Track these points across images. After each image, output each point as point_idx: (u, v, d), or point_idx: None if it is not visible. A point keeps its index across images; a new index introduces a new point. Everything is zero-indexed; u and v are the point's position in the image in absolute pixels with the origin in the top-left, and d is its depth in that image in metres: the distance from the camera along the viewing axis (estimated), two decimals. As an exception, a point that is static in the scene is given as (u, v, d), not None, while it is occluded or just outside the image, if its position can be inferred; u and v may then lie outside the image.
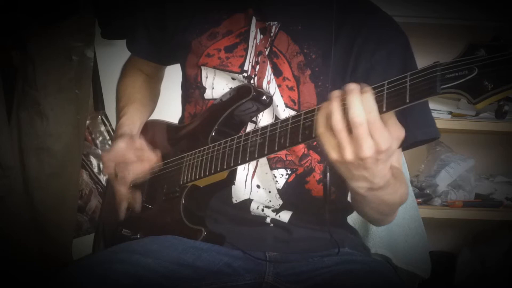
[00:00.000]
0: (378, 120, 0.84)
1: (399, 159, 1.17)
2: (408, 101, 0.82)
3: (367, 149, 0.84)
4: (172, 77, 1.47)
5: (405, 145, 1.17)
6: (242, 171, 1.16)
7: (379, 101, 0.85)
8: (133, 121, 1.31)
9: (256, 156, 1.01)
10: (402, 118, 1.11)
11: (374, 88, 0.86)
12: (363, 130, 0.84)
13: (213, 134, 1.15)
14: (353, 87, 0.85)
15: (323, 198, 1.02)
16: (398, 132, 0.87)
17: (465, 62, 0.77)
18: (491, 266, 2.33)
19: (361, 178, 0.90)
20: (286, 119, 0.97)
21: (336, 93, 0.87)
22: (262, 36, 1.18)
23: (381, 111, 0.85)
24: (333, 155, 0.88)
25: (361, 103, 0.84)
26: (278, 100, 1.15)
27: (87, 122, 2.25)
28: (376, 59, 1.13)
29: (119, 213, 1.23)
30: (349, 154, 0.86)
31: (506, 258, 2.31)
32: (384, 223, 1.20)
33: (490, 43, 0.76)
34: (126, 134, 1.25)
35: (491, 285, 2.31)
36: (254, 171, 1.17)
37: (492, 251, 2.35)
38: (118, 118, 1.34)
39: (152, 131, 1.33)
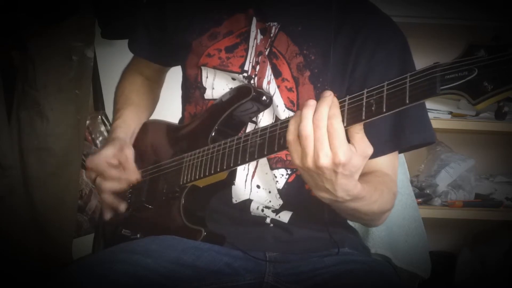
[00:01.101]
0: (338, 130, 0.86)
1: (393, 164, 1.15)
2: (407, 102, 0.82)
3: (324, 157, 0.86)
4: (172, 77, 1.47)
5: (401, 149, 1.17)
6: (242, 171, 1.16)
7: (378, 102, 0.85)
8: (127, 125, 1.31)
9: (255, 156, 1.01)
10: (399, 122, 1.11)
11: (374, 89, 0.86)
12: (322, 136, 0.86)
13: (213, 134, 1.15)
14: (312, 103, 0.88)
15: (323, 199, 1.02)
16: (364, 149, 0.88)
17: (465, 63, 0.77)
18: (491, 266, 2.32)
19: (323, 189, 0.92)
20: (286, 120, 0.97)
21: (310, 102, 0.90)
22: (262, 36, 1.18)
23: (381, 112, 0.85)
24: (295, 160, 0.91)
25: (312, 116, 0.87)
26: (278, 100, 1.15)
27: (87, 122, 2.25)
28: (376, 60, 1.13)
29: (104, 214, 1.24)
30: (307, 161, 0.88)
31: (506, 258, 2.31)
32: (371, 226, 1.19)
33: (490, 44, 0.76)
34: (118, 139, 1.24)
35: (491, 285, 2.31)
36: (254, 171, 1.17)
37: (492, 251, 2.35)
38: (113, 120, 1.34)
39: (152, 131, 1.33)
